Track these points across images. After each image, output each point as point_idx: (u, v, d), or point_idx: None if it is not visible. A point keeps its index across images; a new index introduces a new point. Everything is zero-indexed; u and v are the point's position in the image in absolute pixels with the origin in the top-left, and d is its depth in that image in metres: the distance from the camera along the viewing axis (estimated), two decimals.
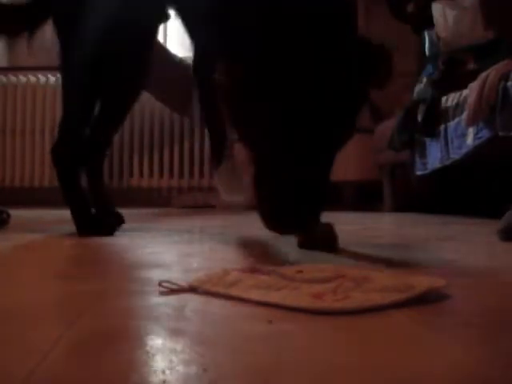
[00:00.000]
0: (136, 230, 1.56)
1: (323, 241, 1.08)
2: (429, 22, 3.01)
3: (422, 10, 3.13)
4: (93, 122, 1.46)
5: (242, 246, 1.26)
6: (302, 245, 1.09)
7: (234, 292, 0.61)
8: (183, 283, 0.65)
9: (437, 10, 2.96)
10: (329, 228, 1.12)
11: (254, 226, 1.78)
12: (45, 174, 3.72)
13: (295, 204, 0.90)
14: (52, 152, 1.41)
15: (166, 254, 1.08)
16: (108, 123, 1.53)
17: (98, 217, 1.44)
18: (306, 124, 0.93)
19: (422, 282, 0.62)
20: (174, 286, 0.65)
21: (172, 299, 0.62)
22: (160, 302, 0.60)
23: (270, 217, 0.93)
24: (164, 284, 0.65)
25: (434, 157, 2.67)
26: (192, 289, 0.65)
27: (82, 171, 1.49)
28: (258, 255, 1.05)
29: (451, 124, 2.49)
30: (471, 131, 2.28)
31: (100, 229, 1.35)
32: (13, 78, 3.79)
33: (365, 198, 3.49)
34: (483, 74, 2.20)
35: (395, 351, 0.42)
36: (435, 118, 2.62)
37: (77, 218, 1.38)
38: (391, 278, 0.66)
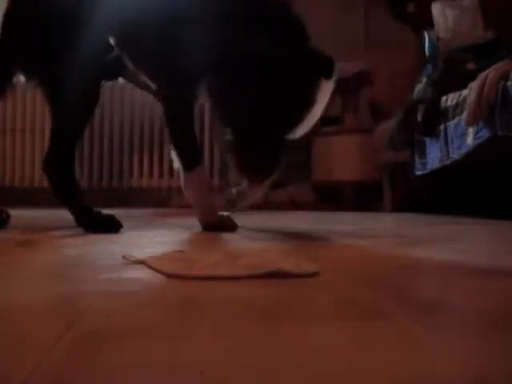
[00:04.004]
0: (136, 230, 1.56)
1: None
2: (429, 22, 3.01)
3: (422, 9, 3.13)
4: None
5: (242, 245, 1.26)
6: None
7: (193, 272, 0.74)
8: (141, 257, 0.85)
9: (437, 9, 2.97)
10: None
11: (252, 226, 1.78)
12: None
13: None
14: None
15: None
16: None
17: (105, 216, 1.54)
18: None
19: (278, 264, 0.75)
20: (132, 259, 0.85)
21: (171, 299, 0.62)
22: (159, 302, 0.60)
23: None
24: (126, 256, 0.86)
25: (434, 157, 2.67)
26: (146, 264, 0.81)
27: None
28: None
29: (451, 124, 2.49)
30: (471, 131, 2.28)
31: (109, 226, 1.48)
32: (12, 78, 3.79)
33: (365, 198, 3.49)
34: (483, 74, 2.21)
35: (395, 351, 0.42)
36: (435, 118, 2.62)
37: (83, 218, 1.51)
38: (256, 257, 0.82)
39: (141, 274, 0.77)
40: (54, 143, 1.56)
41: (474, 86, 2.25)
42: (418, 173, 2.86)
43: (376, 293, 0.66)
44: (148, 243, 1.25)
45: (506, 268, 0.92)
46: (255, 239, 1.37)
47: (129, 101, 3.73)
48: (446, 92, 2.58)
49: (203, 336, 0.46)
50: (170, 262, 0.80)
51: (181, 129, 1.52)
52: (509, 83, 2.04)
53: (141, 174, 3.81)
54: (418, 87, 2.91)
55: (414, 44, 3.55)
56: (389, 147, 3.05)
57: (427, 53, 3.04)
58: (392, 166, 3.21)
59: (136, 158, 3.81)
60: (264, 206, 3.40)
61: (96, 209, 1.53)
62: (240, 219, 1.65)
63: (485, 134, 2.18)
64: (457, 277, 0.79)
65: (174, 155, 1.54)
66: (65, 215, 1.57)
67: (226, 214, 1.61)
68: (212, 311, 0.56)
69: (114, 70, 1.61)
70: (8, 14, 1.48)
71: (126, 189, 3.78)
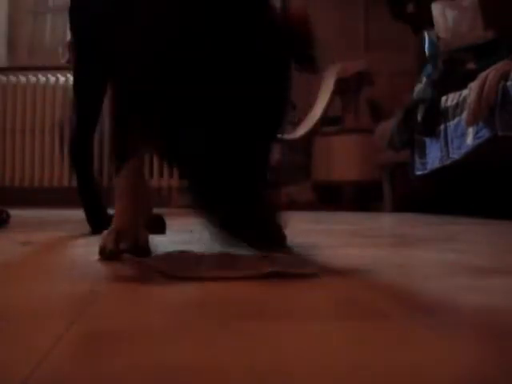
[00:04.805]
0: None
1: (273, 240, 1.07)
2: (429, 22, 3.02)
3: (422, 10, 3.13)
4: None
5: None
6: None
7: (193, 272, 0.73)
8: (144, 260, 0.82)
9: (437, 9, 2.97)
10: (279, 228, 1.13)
11: None
12: (45, 174, 3.72)
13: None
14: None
15: None
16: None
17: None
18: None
19: (278, 264, 0.75)
20: (132, 258, 0.83)
21: (171, 299, 0.62)
22: (159, 302, 0.60)
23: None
24: (126, 256, 0.85)
25: (434, 157, 2.67)
26: (146, 264, 0.79)
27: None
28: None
29: (451, 124, 2.49)
30: (471, 131, 2.28)
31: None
32: (13, 78, 3.80)
33: (365, 198, 3.49)
34: (483, 74, 2.21)
35: (395, 351, 0.42)
36: (435, 118, 2.62)
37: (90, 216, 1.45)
38: (256, 258, 0.81)
39: (141, 274, 0.77)
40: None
41: (473, 86, 2.25)
42: (418, 173, 2.86)
43: (376, 293, 0.66)
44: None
45: (506, 268, 0.92)
46: None
47: None
48: (446, 92, 2.58)
49: (203, 336, 0.46)
50: (170, 262, 0.80)
51: None
52: (509, 83, 2.04)
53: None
54: (418, 87, 2.91)
55: (414, 44, 3.55)
56: (389, 147, 3.05)
57: (427, 53, 3.04)
58: (392, 165, 3.21)
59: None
60: None
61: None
62: None
63: (485, 133, 2.18)
64: (457, 277, 0.79)
65: None
66: (64, 215, 1.57)
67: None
68: (212, 311, 0.56)
69: None
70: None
71: None
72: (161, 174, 3.78)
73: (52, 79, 3.77)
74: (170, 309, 0.57)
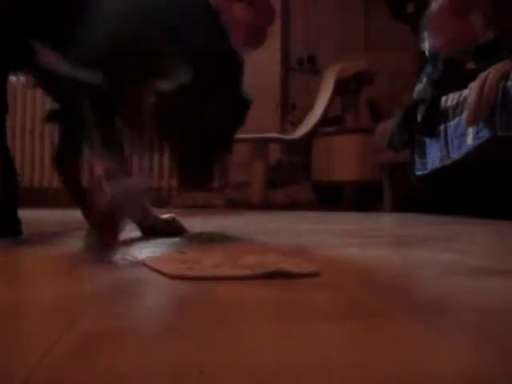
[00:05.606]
0: (136, 230, 1.56)
1: None
2: None
3: (422, 10, 3.13)
4: None
5: (242, 246, 1.26)
6: None
7: (194, 273, 0.72)
8: (141, 258, 0.84)
9: None
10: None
11: (253, 226, 1.78)
12: (45, 174, 3.71)
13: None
14: None
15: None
16: None
17: None
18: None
19: (278, 264, 0.75)
20: (132, 259, 0.85)
21: (171, 299, 0.62)
22: (159, 302, 0.60)
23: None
24: (126, 256, 0.86)
25: (434, 157, 2.67)
26: (146, 265, 0.79)
27: None
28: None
29: (451, 124, 2.49)
30: (471, 131, 2.28)
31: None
32: (13, 78, 3.79)
33: (365, 198, 3.49)
34: (483, 74, 2.21)
35: (395, 351, 0.42)
36: (435, 118, 2.62)
37: None
38: (256, 258, 0.81)
39: (141, 274, 0.77)
40: None
41: (474, 86, 2.25)
42: (418, 173, 2.86)
43: (376, 292, 0.66)
44: (148, 243, 1.25)
45: (506, 267, 0.92)
46: (255, 240, 1.37)
47: None
48: (446, 92, 2.58)
49: (203, 336, 0.46)
50: (170, 263, 0.80)
51: None
52: (509, 83, 2.04)
53: (141, 174, 3.81)
54: (418, 87, 2.90)
55: (414, 44, 3.55)
56: (389, 147, 3.04)
57: (427, 53, 3.04)
58: (392, 166, 3.21)
59: (136, 159, 3.81)
60: (264, 206, 3.39)
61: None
62: (243, 220, 1.65)
63: (485, 134, 2.18)
64: (457, 277, 0.79)
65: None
66: (64, 215, 1.57)
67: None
68: (212, 311, 0.56)
69: None
70: None
71: None
72: (161, 174, 3.78)
73: None
74: (170, 309, 0.57)
